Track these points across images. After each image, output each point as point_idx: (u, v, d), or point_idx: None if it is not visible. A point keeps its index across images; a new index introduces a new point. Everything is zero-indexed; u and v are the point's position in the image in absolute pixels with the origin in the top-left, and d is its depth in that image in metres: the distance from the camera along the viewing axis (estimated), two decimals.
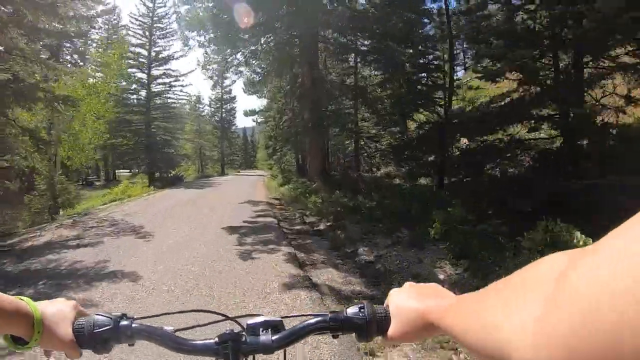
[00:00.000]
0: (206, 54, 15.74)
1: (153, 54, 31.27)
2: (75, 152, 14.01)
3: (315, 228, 8.16)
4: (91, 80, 13.50)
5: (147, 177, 30.01)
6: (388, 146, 19.17)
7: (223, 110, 45.66)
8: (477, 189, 13.02)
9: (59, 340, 0.59)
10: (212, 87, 45.56)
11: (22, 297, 0.58)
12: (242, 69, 15.93)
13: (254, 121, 34.64)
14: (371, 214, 8.72)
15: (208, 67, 15.68)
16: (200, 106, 41.38)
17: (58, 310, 0.61)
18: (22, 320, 0.56)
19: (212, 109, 45.61)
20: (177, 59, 31.61)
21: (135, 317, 0.65)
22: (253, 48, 14.48)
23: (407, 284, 0.62)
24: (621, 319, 0.18)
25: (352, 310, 0.63)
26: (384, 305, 0.63)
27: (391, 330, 0.58)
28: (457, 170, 14.58)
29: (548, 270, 0.27)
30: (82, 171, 37.06)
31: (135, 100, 31.49)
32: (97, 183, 36.77)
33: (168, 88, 31.64)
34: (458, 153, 18.29)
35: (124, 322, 0.63)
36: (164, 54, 31.43)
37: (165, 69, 31.33)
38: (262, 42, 14.87)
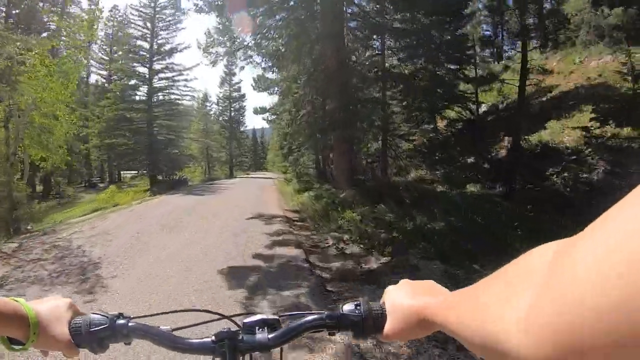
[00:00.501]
0: (208, 33, 12.90)
1: (155, 46, 28.76)
2: (46, 150, 11.27)
3: (363, 266, 5.22)
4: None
5: (149, 180, 27.55)
6: (420, 145, 16.30)
7: (232, 108, 43.01)
8: (551, 199, 10.13)
9: (55, 340, 0.59)
10: (220, 85, 43.06)
11: (17, 299, 0.57)
12: (250, 52, 13.02)
13: (264, 119, 31.88)
14: (444, 240, 5.78)
15: (210, 49, 12.82)
16: (208, 104, 38.81)
17: (53, 310, 0.61)
18: (18, 322, 0.55)
19: (220, 108, 43.02)
20: (180, 51, 28.88)
21: (132, 316, 0.65)
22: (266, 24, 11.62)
23: (402, 281, 0.61)
24: (615, 301, 0.18)
25: (348, 307, 0.63)
26: (380, 302, 0.62)
27: (387, 328, 0.58)
28: (509, 176, 11.57)
29: (538, 259, 0.27)
30: (81, 172, 35.11)
31: (136, 97, 28.96)
32: (101, 185, 34.63)
33: (171, 83, 29.04)
34: (504, 154, 15.36)
35: (121, 321, 0.63)
36: (167, 46, 28.94)
37: (168, 63, 28.78)
38: (277, 18, 12.05)
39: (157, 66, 28.75)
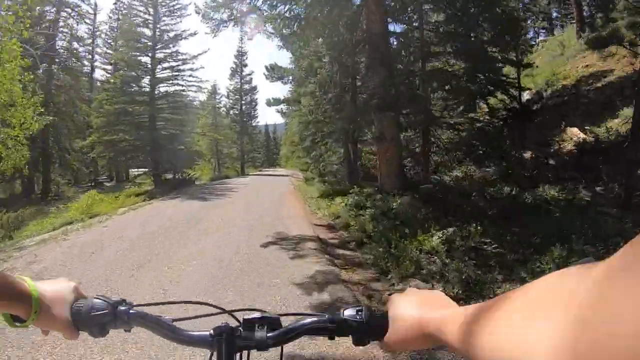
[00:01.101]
0: None
1: (158, 33, 26.06)
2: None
3: None
4: None
5: (153, 179, 25.00)
6: (464, 137, 13.26)
7: (243, 102, 40.21)
8: None
9: (56, 321, 0.60)
10: (230, 77, 40.28)
11: (23, 277, 0.59)
12: (263, 17, 10.02)
13: (278, 112, 29.02)
14: None
15: (212, 15, 9.88)
16: (217, 97, 36.06)
17: (57, 291, 0.62)
18: (21, 299, 0.56)
19: (231, 101, 40.26)
20: (186, 38, 26.06)
21: (134, 303, 0.65)
22: None
23: (409, 289, 0.60)
24: (633, 347, 0.17)
25: (349, 312, 0.62)
26: (384, 310, 0.61)
27: (388, 336, 0.57)
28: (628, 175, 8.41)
29: (564, 286, 0.25)
30: (87, 170, 32.91)
31: (137, 88, 26.30)
32: (108, 184, 32.60)
33: (175, 73, 26.30)
34: (569, 149, 12.17)
35: (122, 308, 0.63)
36: (171, 34, 26.21)
37: (172, 51, 26.06)
38: None
39: (160, 55, 26.08)
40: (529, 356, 0.24)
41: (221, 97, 36.02)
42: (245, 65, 40.49)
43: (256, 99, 41.59)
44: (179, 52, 26.27)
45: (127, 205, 12.19)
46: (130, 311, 0.63)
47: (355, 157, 11.92)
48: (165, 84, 26.56)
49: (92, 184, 31.03)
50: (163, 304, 0.72)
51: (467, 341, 0.36)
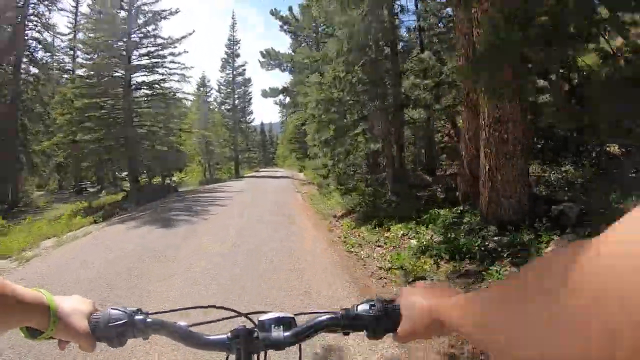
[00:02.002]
0: None
1: (133, 11, 21.89)
2: None
3: None
4: None
5: (129, 187, 20.94)
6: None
7: (235, 95, 36.05)
8: None
9: (74, 332, 0.60)
10: (221, 68, 36.09)
11: (40, 290, 0.59)
12: None
13: (275, 103, 24.89)
14: None
15: None
16: (207, 90, 31.85)
17: (74, 304, 0.62)
18: (39, 311, 0.57)
19: (222, 95, 36.05)
20: (166, 18, 21.90)
21: (150, 312, 0.66)
22: None
23: (417, 283, 0.62)
24: (617, 320, 0.18)
25: (362, 307, 0.63)
26: (396, 303, 0.62)
27: (401, 328, 0.58)
28: None
29: (552, 268, 0.27)
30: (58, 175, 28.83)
31: (109, 77, 22.11)
32: (92, 189, 28.68)
33: (155, 60, 22.15)
34: None
35: (139, 317, 0.64)
36: (149, 13, 22.03)
37: (150, 33, 21.90)
38: None
39: (136, 38, 21.93)
40: (526, 332, 0.26)
41: (211, 90, 31.92)
42: (238, 55, 36.38)
43: (250, 92, 37.51)
44: (159, 36, 22.10)
45: (60, 232, 8.10)
46: (147, 320, 0.64)
47: (400, 157, 7.94)
48: (143, 72, 22.38)
49: (75, 190, 27.33)
50: (178, 310, 0.73)
51: (472, 325, 0.38)
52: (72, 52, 27.74)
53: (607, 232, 0.22)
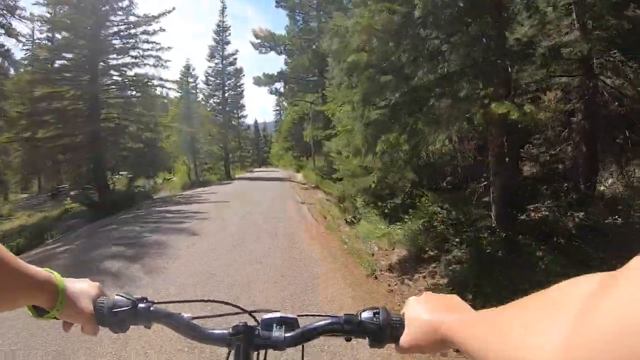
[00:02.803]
0: None
1: None
2: None
3: None
4: None
5: (95, 196, 17.32)
6: None
7: (226, 87, 32.39)
8: None
9: (79, 314, 0.61)
10: (209, 57, 32.37)
11: (50, 270, 0.60)
12: None
13: (271, 93, 21.38)
14: None
15: None
16: (191, 79, 28.12)
17: (82, 287, 0.63)
18: (47, 290, 0.58)
19: (210, 87, 32.36)
20: None
21: (155, 301, 0.66)
22: None
23: (425, 294, 0.61)
24: (634, 352, 0.18)
25: (366, 314, 0.63)
26: (400, 313, 0.62)
27: (403, 339, 0.57)
28: None
29: (579, 290, 0.26)
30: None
31: (73, 60, 18.44)
32: (72, 193, 25.01)
33: (127, 41, 18.52)
34: None
35: (143, 305, 0.64)
36: None
37: (120, 6, 18.28)
38: None
39: (105, 14, 18.28)
40: (537, 355, 0.25)
41: (197, 79, 28.21)
42: (228, 43, 32.71)
43: (242, 84, 33.81)
44: (132, 11, 18.52)
45: None
46: (151, 308, 0.64)
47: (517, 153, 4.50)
48: (113, 56, 18.76)
49: (53, 195, 23.85)
50: (183, 302, 0.75)
51: (480, 344, 0.36)
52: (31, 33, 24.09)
53: (630, 264, 0.21)
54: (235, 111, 34.60)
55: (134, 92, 19.01)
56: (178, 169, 27.64)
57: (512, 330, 0.31)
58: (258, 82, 20.45)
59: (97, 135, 17.28)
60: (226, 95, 32.04)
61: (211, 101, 31.78)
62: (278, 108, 76.24)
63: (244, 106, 36.25)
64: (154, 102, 20.98)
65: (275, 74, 19.93)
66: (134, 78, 18.56)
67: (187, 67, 28.16)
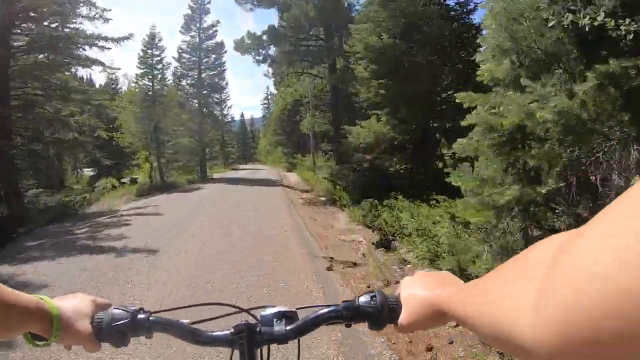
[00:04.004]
0: None
1: None
2: None
3: None
4: None
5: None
6: None
7: (203, 66, 26.28)
8: None
9: (78, 335, 0.60)
10: (185, 29, 26.22)
11: (40, 296, 0.59)
12: None
13: (258, 62, 15.42)
14: None
15: None
16: (157, 52, 21.87)
17: (76, 306, 0.62)
18: (41, 318, 0.56)
19: (182, 66, 26.22)
20: None
21: (152, 310, 0.66)
22: None
23: (418, 273, 0.62)
24: (604, 303, 0.19)
25: (364, 299, 0.63)
26: (396, 294, 0.63)
27: (402, 318, 0.58)
28: None
29: (547, 249, 0.28)
30: None
31: None
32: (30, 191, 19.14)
33: None
34: None
35: (141, 316, 0.64)
36: None
37: None
38: None
39: None
40: (518, 315, 0.26)
41: (164, 51, 22.01)
42: (207, 13, 26.63)
43: (224, 63, 27.67)
44: None
45: None
46: (150, 318, 0.64)
47: None
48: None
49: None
50: (180, 308, 0.75)
51: (470, 314, 0.38)
52: None
53: (595, 218, 0.23)
54: (214, 96, 28.44)
55: (58, 58, 12.94)
56: (144, 168, 21.65)
57: (489, 293, 0.33)
58: (241, 46, 14.61)
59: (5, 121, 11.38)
60: (203, 75, 25.94)
61: (184, 82, 25.67)
62: (266, 102, 70.21)
63: (224, 88, 30.07)
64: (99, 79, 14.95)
65: (264, 35, 14.02)
66: (55, 34, 12.51)
67: (152, 37, 22.00)
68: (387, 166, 9.09)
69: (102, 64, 13.95)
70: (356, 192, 9.28)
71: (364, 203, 8.26)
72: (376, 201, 7.74)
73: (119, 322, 0.62)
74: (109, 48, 15.92)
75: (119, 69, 25.69)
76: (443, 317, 0.51)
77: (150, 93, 21.19)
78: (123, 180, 30.16)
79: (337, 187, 9.78)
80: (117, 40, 13.24)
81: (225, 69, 26.98)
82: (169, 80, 24.05)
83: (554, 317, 0.22)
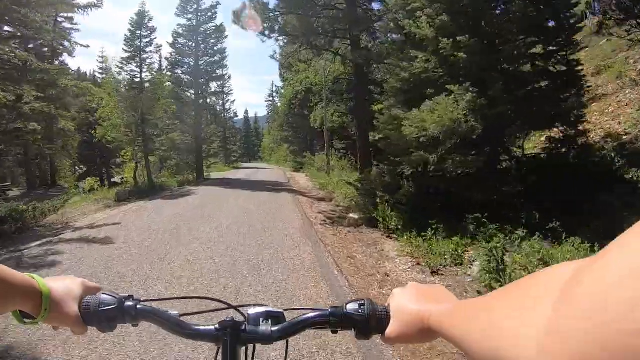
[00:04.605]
0: None
1: None
2: None
3: None
4: None
5: None
6: None
7: (200, 52, 23.19)
8: None
9: (65, 317, 0.60)
10: (180, 11, 23.14)
11: (32, 275, 0.59)
12: None
13: (266, 35, 12.27)
14: None
15: None
16: (145, 33, 18.76)
17: (66, 288, 0.62)
18: (31, 297, 0.57)
19: (176, 52, 23.13)
20: None
21: (141, 299, 0.66)
22: None
23: (410, 284, 0.60)
24: (620, 343, 0.18)
25: (352, 306, 0.62)
26: (386, 304, 0.62)
27: (389, 330, 0.57)
28: None
29: (557, 276, 0.27)
30: None
31: None
32: (13, 192, 18.21)
33: None
34: None
35: (129, 303, 0.64)
36: None
37: None
38: None
39: None
40: (519, 341, 0.25)
41: (154, 32, 18.94)
42: None
43: (224, 50, 24.54)
44: None
45: None
46: (138, 306, 0.64)
47: None
48: None
49: None
50: (170, 299, 0.77)
51: (463, 332, 0.37)
52: None
53: (606, 249, 0.22)
54: (213, 84, 25.32)
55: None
56: (128, 168, 18.69)
57: (491, 317, 0.31)
58: (241, 18, 11.51)
59: None
60: (201, 63, 22.85)
61: (178, 71, 22.57)
62: (271, 99, 66.70)
63: (225, 78, 26.97)
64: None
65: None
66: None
67: (141, 16, 18.93)
68: (457, 171, 5.97)
69: (65, 37, 10.91)
70: (409, 210, 6.18)
71: (430, 230, 5.16)
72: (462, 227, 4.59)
73: (106, 308, 0.61)
74: (71, 18, 12.85)
75: (88, 46, 22.51)
76: (432, 333, 0.49)
77: (137, 80, 18.19)
78: (114, 179, 27.27)
79: (379, 201, 6.64)
80: (83, 8, 10.22)
81: (226, 56, 23.85)
82: (161, 67, 20.98)
83: (563, 353, 0.21)
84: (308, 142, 30.79)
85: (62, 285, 0.62)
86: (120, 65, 18.30)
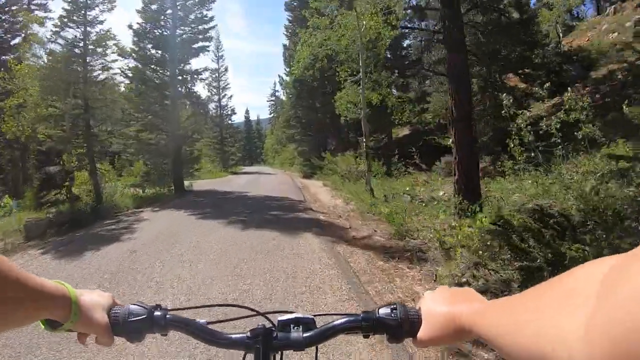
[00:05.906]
0: None
1: None
2: None
3: None
4: None
5: None
6: None
7: (178, 21, 17.25)
8: None
9: (94, 325, 0.60)
10: None
11: (62, 282, 0.58)
12: None
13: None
14: None
15: None
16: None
17: (95, 298, 0.62)
18: (61, 302, 0.56)
19: (147, 19, 17.19)
20: None
21: (169, 308, 0.65)
22: None
23: (440, 287, 0.60)
24: None
25: (384, 310, 0.62)
26: (417, 307, 0.61)
27: (421, 333, 0.57)
28: None
29: (591, 276, 0.27)
30: None
31: None
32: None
33: None
34: None
35: (158, 313, 0.63)
36: None
37: None
38: None
39: None
40: (563, 342, 0.25)
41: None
42: None
43: (213, 18, 18.58)
44: None
45: None
46: (167, 316, 0.63)
47: None
48: None
49: None
50: (198, 307, 0.75)
51: (499, 331, 0.37)
52: None
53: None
54: (187, 61, 19.30)
55: None
56: (79, 178, 12.83)
57: (530, 318, 0.31)
58: None
59: None
60: (179, 32, 16.91)
61: (149, 45, 16.61)
62: (273, 99, 60.43)
63: (221, 57, 20.79)
64: None
65: None
66: None
67: None
68: None
69: None
70: None
71: None
72: None
73: (135, 318, 0.61)
74: None
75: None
76: (464, 333, 0.49)
77: (78, 51, 12.34)
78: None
79: None
80: None
81: (214, 26, 17.85)
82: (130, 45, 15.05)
83: (606, 350, 0.21)
84: (319, 140, 24.91)
85: (91, 295, 0.61)
86: (55, 29, 12.47)
